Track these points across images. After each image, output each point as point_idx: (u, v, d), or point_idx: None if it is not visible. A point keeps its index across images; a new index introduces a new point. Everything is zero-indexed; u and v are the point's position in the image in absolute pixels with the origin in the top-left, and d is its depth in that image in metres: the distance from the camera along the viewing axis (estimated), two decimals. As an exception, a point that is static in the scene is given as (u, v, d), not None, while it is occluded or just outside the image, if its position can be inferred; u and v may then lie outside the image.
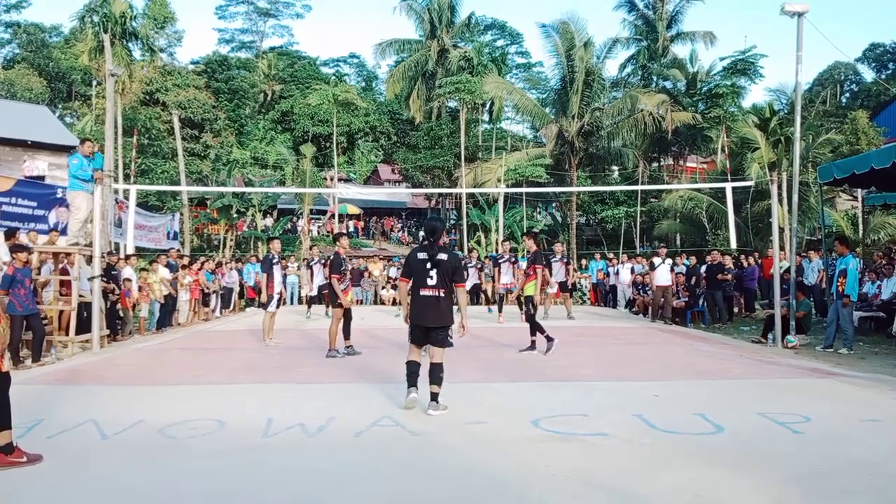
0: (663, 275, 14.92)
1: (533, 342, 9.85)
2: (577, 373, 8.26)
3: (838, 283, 10.26)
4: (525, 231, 30.57)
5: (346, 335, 9.74)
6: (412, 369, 6.03)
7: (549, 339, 9.59)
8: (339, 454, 4.78)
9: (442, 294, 5.90)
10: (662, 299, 15.07)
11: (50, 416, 5.83)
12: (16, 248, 9.10)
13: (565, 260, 15.50)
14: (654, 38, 36.82)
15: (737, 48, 34.08)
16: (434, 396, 5.89)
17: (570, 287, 17.22)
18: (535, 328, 9.80)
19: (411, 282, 6.02)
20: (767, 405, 6.18)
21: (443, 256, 5.93)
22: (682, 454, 4.70)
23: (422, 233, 11.32)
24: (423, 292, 5.91)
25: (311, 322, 14.66)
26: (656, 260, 15.19)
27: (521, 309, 12.57)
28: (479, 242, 32.23)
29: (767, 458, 4.59)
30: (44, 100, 36.76)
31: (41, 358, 9.10)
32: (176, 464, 4.58)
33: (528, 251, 10.87)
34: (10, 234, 10.60)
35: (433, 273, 5.89)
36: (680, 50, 37.95)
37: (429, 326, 5.93)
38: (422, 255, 5.98)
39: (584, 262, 24.46)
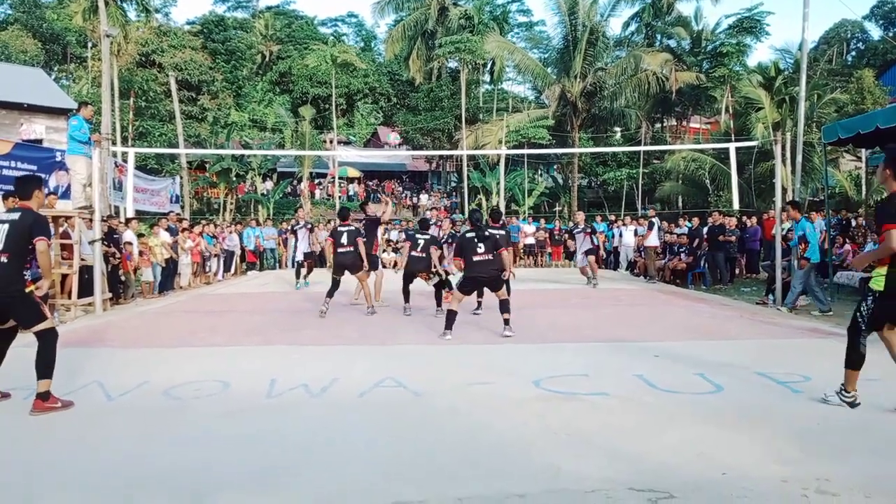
0: (651, 236, 16.17)
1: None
2: (579, 334, 8.31)
3: (800, 249, 10.27)
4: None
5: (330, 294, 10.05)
6: (453, 316, 8.02)
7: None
8: (343, 414, 4.82)
9: (490, 257, 8.10)
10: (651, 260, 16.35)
11: (54, 379, 5.86)
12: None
13: (589, 230, 14.76)
14: (659, -6, 36.11)
15: (743, 5, 33.47)
16: (507, 322, 8.07)
17: (597, 253, 15.82)
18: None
19: (463, 255, 8.20)
20: (767, 365, 6.22)
21: (490, 233, 8.45)
22: (683, 413, 4.74)
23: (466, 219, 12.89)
24: (476, 258, 8.07)
25: (314, 287, 14.68)
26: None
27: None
28: (479, 205, 32.12)
29: (767, 416, 4.63)
30: (39, 62, 36.25)
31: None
32: (181, 424, 4.63)
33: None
34: (7, 196, 10.58)
35: (481, 245, 8.10)
36: (685, 7, 37.53)
37: (485, 277, 8.12)
38: (469, 234, 8.26)
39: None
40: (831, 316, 9.71)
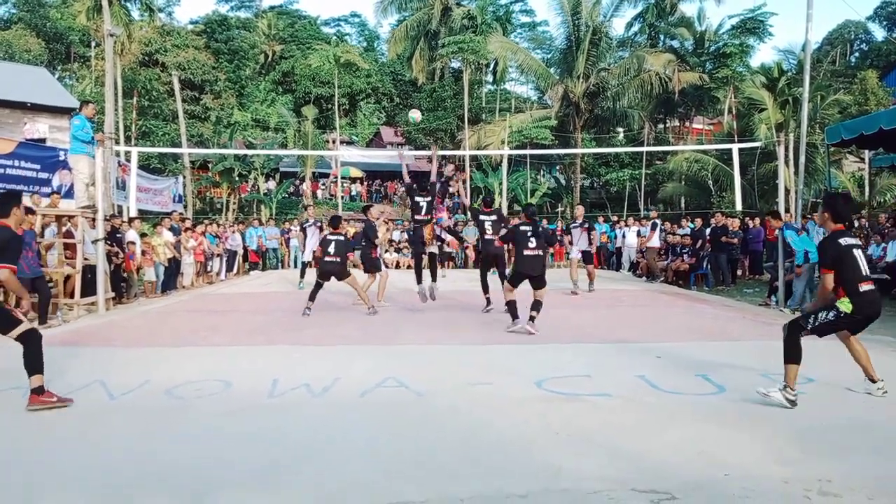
0: (653, 238, 16.10)
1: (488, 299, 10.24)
2: (581, 334, 8.30)
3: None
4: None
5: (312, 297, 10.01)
6: (515, 305, 8.37)
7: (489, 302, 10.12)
8: (344, 413, 4.82)
9: (541, 252, 8.31)
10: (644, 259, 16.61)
11: (57, 378, 5.88)
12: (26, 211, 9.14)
13: (587, 225, 13.81)
14: (662, -5, 36.08)
15: (746, 6, 33.45)
16: (533, 318, 8.16)
17: (594, 256, 14.90)
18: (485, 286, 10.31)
19: (515, 248, 8.43)
20: (769, 366, 6.20)
21: (543, 228, 8.86)
22: (685, 413, 4.74)
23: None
24: (527, 252, 8.19)
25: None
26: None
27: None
28: (493, 201, 32.07)
29: (769, 417, 4.63)
30: (42, 61, 36.32)
31: (47, 320, 9.16)
32: (183, 423, 4.63)
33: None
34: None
35: (533, 239, 8.21)
36: (688, 8, 37.57)
37: (534, 275, 8.22)
38: (524, 228, 8.35)
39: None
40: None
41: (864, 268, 4.97)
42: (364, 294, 10.25)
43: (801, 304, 10.32)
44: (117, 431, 4.46)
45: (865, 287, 4.94)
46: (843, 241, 4.97)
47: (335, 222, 10.54)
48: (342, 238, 10.10)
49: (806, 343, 7.75)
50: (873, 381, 5.24)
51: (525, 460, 3.81)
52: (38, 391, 5.01)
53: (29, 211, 9.28)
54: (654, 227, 16.17)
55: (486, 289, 10.17)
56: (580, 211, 14.73)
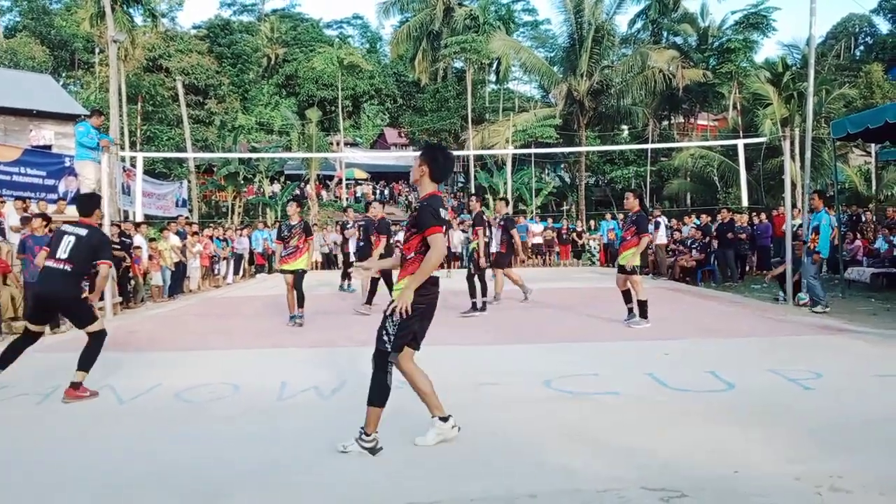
0: (660, 234, 16.22)
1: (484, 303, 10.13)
2: (588, 333, 8.28)
3: (811, 240, 9.93)
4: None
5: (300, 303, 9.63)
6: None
7: (473, 307, 9.94)
8: (353, 416, 4.80)
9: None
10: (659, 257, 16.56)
11: (66, 383, 5.90)
12: (36, 217, 9.24)
13: (501, 222, 11.24)
14: (665, -9, 35.99)
15: (749, 1, 33.22)
16: (631, 310, 8.69)
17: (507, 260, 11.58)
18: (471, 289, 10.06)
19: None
20: (778, 362, 6.18)
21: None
22: (694, 411, 4.72)
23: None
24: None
25: (323, 287, 14.70)
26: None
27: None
28: (487, 205, 32.10)
29: (779, 414, 4.60)
30: (47, 68, 36.47)
31: (58, 325, 9.20)
32: (193, 426, 4.65)
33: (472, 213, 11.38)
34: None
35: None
36: (691, 4, 37.62)
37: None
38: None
39: (592, 222, 24.35)
40: (841, 313, 9.64)
41: None
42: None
43: (818, 297, 9.87)
44: (126, 435, 4.47)
45: None
46: None
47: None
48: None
49: (812, 338, 7.75)
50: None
51: (534, 460, 3.81)
52: (76, 386, 5.40)
53: (46, 218, 9.34)
54: (656, 225, 15.99)
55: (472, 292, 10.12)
56: (500, 206, 12.00)
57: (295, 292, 9.49)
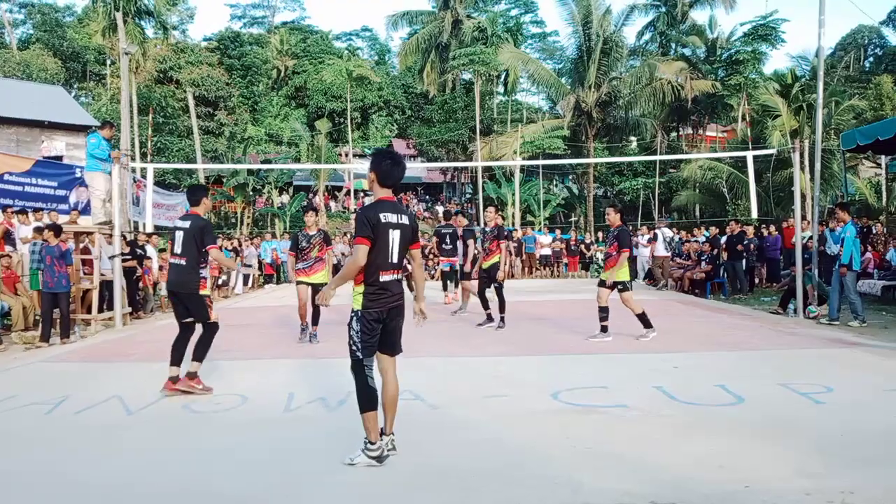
0: (657, 247, 16.93)
1: (489, 315, 10.00)
2: (596, 345, 8.25)
3: (839, 252, 9.74)
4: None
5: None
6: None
7: (490, 318, 9.90)
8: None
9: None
10: (660, 269, 16.85)
11: (76, 393, 5.93)
12: (48, 227, 9.32)
13: (462, 233, 11.49)
14: (673, 3, 36.07)
15: (758, 13, 33.35)
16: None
17: (470, 274, 11.14)
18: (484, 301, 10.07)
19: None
20: (789, 376, 6.14)
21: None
22: (704, 425, 4.69)
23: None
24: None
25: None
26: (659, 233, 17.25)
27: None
28: (504, 217, 32.15)
29: (789, 428, 4.56)
30: (59, 80, 36.89)
31: (68, 336, 9.25)
32: (200, 437, 4.65)
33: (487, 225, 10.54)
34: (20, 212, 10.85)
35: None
36: (699, 15, 37.23)
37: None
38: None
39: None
40: (852, 326, 9.56)
41: None
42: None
43: (859, 312, 9.62)
44: (135, 446, 4.48)
45: None
46: None
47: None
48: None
49: (823, 351, 7.69)
50: None
51: (543, 473, 3.78)
52: (192, 375, 5.80)
53: (57, 229, 9.41)
54: (654, 237, 17.08)
55: (485, 304, 10.15)
56: (460, 220, 11.86)
57: (311, 308, 8.86)
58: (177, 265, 5.87)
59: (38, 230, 10.09)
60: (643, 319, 8.57)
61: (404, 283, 4.38)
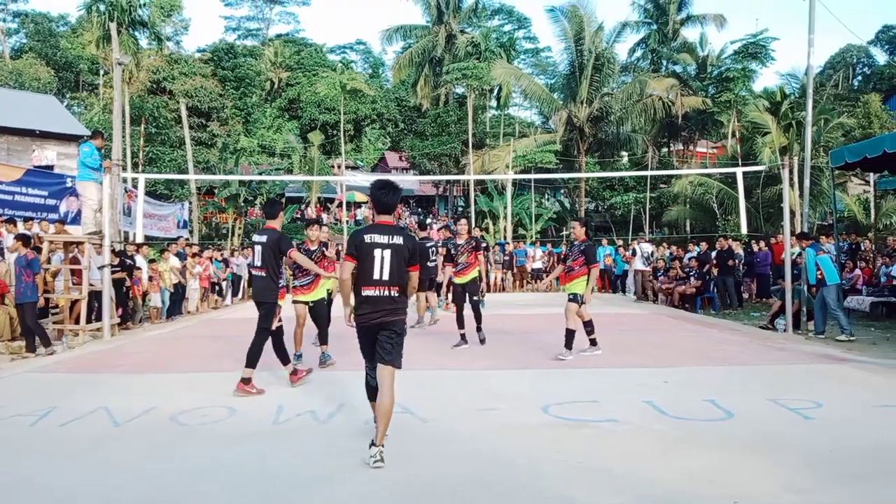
0: (636, 261, 17.64)
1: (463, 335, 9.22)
2: (586, 359, 8.24)
3: (818, 274, 10.14)
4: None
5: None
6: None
7: (464, 339, 9.17)
8: (350, 441, 4.79)
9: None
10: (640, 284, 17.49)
11: (62, 404, 5.88)
12: (16, 238, 9.21)
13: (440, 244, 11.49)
14: (664, 21, 36.45)
15: (748, 31, 33.77)
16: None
17: (437, 286, 12.00)
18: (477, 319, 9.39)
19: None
20: (778, 391, 6.15)
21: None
22: (693, 440, 4.69)
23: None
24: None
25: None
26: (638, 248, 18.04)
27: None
28: (486, 230, 32.17)
29: (779, 443, 4.57)
30: (52, 89, 36.80)
31: (33, 349, 8.99)
32: (188, 450, 4.61)
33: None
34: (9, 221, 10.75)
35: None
36: (690, 33, 37.61)
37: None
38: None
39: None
40: (841, 342, 9.61)
41: None
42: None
43: (847, 328, 9.91)
44: (121, 458, 4.43)
45: None
46: None
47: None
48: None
49: (812, 367, 7.71)
50: None
51: (533, 487, 3.77)
52: (246, 381, 6.20)
53: (25, 239, 9.30)
54: (633, 252, 17.86)
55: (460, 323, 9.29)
56: (434, 233, 11.55)
57: (316, 322, 8.10)
58: (258, 276, 6.38)
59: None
60: (570, 337, 8.18)
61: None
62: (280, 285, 6.47)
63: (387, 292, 4.37)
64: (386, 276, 4.35)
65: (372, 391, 4.50)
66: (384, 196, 4.49)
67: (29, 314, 9.00)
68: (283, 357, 6.68)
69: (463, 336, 9.20)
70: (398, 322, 4.45)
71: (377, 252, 4.35)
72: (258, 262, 6.33)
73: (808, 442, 4.61)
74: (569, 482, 3.84)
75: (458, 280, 9.48)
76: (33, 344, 8.99)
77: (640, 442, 4.66)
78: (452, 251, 9.72)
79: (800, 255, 11.00)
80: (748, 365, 7.87)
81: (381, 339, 4.38)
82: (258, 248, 6.33)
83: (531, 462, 4.22)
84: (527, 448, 4.52)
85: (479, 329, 9.34)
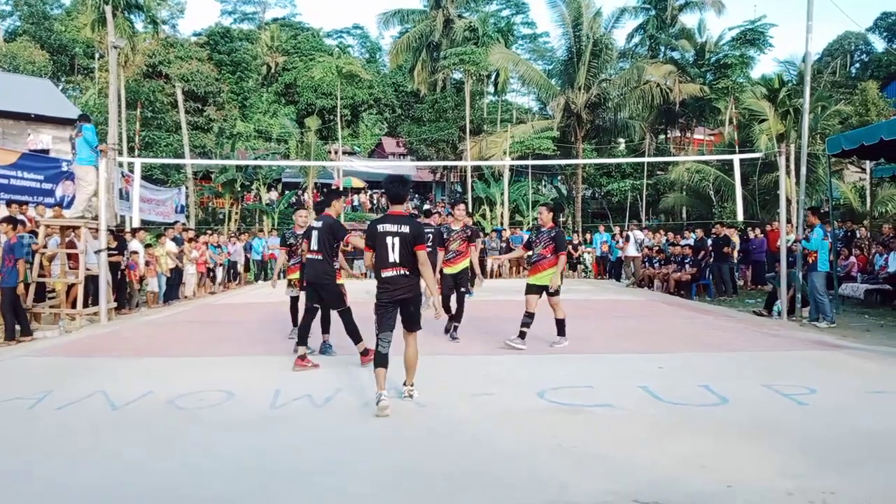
0: (629, 247, 18.06)
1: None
2: (582, 345, 8.28)
3: (810, 258, 10.19)
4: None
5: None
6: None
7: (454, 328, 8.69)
8: (347, 425, 4.82)
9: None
10: (630, 269, 18.10)
11: (59, 388, 5.89)
12: (2, 220, 9.13)
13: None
14: (663, 6, 36.22)
15: (746, 17, 33.58)
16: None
17: None
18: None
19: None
20: (772, 377, 6.20)
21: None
22: (687, 425, 4.73)
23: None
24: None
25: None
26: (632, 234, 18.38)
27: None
28: (483, 216, 32.18)
29: (772, 429, 4.61)
30: (46, 73, 36.51)
31: (13, 337, 8.89)
32: (185, 434, 4.63)
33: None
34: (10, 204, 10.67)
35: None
36: (688, 19, 37.53)
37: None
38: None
39: (588, 235, 24.40)
40: (835, 328, 9.68)
41: None
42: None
43: (831, 314, 10.07)
44: (119, 442, 4.45)
45: None
46: None
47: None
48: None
49: (807, 353, 7.77)
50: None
51: (529, 473, 3.80)
52: (365, 353, 6.68)
53: (12, 222, 9.24)
54: (627, 238, 18.21)
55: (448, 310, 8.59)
56: (459, 211, 9.62)
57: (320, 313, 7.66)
58: (315, 260, 6.73)
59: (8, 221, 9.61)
60: (561, 326, 8.11)
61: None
62: (335, 267, 6.92)
63: (400, 272, 5.18)
64: (393, 259, 5.15)
65: (381, 358, 5.10)
66: (395, 188, 5.33)
67: (7, 300, 8.83)
68: (305, 337, 6.87)
69: (455, 328, 8.68)
70: (415, 297, 5.34)
71: (388, 239, 5.15)
72: (315, 247, 6.74)
73: (802, 428, 4.65)
74: (564, 467, 3.87)
75: (447, 270, 8.82)
76: (12, 331, 8.85)
77: (635, 427, 4.70)
78: (445, 235, 9.01)
79: (795, 241, 11.04)
80: (743, 351, 7.92)
81: (403, 314, 5.27)
82: (314, 234, 6.74)
83: (525, 447, 4.25)
84: (523, 433, 4.55)
85: (455, 328, 8.68)
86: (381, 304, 5.19)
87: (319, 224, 6.82)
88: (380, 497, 3.50)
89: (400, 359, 5.37)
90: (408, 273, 5.20)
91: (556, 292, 8.00)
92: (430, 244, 10.85)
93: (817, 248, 10.14)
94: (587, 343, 8.45)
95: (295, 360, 6.71)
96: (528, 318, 8.01)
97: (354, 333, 6.86)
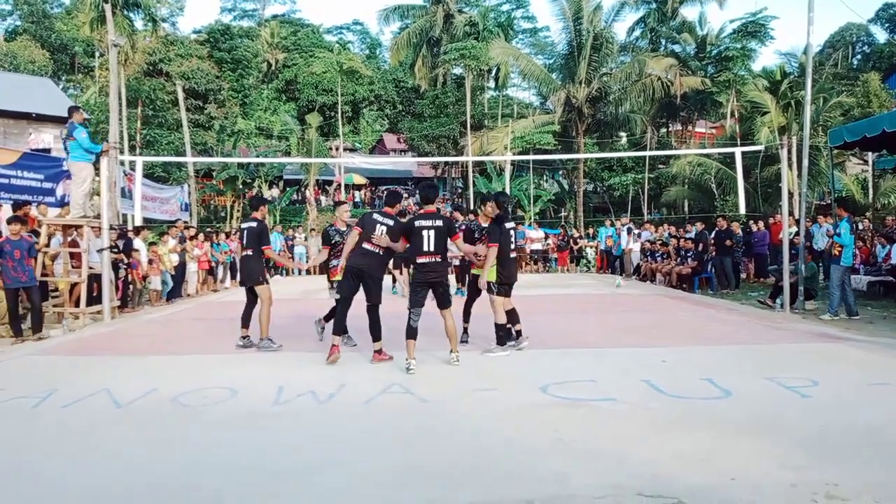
0: (631, 241, 18.51)
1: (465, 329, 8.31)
2: (585, 339, 8.29)
3: (835, 251, 9.97)
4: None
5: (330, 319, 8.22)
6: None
7: (465, 333, 8.26)
8: (350, 421, 4.83)
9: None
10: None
11: (63, 386, 5.91)
12: (10, 220, 9.13)
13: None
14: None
15: (747, 10, 33.49)
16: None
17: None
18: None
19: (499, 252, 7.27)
20: (775, 370, 6.20)
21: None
22: (690, 419, 4.73)
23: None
24: (513, 255, 7.54)
25: (323, 293, 14.65)
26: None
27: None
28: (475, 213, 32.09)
29: (775, 422, 4.62)
30: (47, 72, 36.51)
31: (42, 330, 9.02)
32: (189, 431, 4.65)
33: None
34: (17, 207, 10.65)
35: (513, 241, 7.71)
36: (689, 12, 37.28)
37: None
38: (509, 226, 7.45)
39: (591, 229, 24.39)
40: (838, 320, 9.67)
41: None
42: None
43: (836, 308, 9.98)
44: (123, 440, 4.47)
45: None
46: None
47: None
48: None
49: (809, 346, 7.77)
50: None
51: (531, 466, 3.81)
52: (379, 351, 6.96)
53: (20, 221, 9.26)
54: (629, 231, 18.51)
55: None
56: (488, 209, 8.87)
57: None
58: (372, 252, 6.85)
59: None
60: (501, 331, 7.43)
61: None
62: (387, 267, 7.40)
63: (433, 259, 6.45)
64: (428, 248, 6.41)
65: (412, 331, 6.37)
66: (427, 192, 6.99)
67: (36, 297, 8.99)
68: (343, 327, 7.16)
69: (465, 330, 8.26)
70: (444, 280, 6.59)
71: (425, 233, 6.40)
72: (376, 240, 6.96)
73: (804, 420, 4.65)
74: (565, 461, 3.89)
75: (476, 270, 8.04)
76: (40, 325, 8.95)
77: (638, 421, 4.70)
78: (477, 234, 8.48)
79: (797, 234, 11.02)
80: (745, 344, 7.92)
81: (436, 294, 6.52)
82: (383, 228, 6.88)
83: (528, 441, 4.26)
84: (524, 428, 4.56)
85: (465, 329, 8.30)
86: (416, 284, 6.45)
87: (390, 222, 6.82)
88: (383, 491, 3.51)
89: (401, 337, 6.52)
90: (440, 260, 6.43)
91: (490, 290, 7.47)
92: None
93: (848, 242, 9.87)
94: (589, 337, 8.46)
95: (373, 354, 6.92)
96: (509, 315, 7.60)
97: (378, 330, 6.95)
